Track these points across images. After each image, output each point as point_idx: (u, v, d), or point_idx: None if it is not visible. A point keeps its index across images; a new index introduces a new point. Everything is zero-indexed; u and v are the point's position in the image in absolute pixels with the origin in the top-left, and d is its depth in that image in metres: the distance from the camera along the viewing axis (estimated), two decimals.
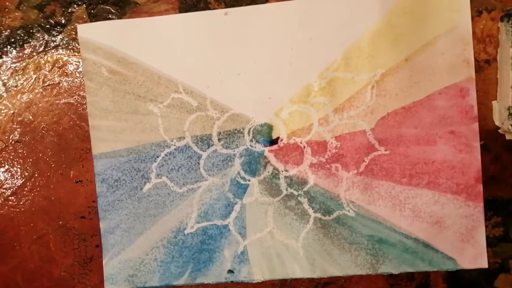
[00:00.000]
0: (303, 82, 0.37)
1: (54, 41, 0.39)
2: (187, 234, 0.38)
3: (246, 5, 0.37)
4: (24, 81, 0.39)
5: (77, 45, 0.38)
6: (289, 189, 0.38)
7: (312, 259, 0.38)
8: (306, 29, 0.37)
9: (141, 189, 0.38)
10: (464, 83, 0.36)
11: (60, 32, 0.39)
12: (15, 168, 0.39)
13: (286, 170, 0.38)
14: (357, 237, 0.37)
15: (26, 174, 0.39)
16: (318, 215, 0.38)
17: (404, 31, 0.36)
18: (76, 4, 0.39)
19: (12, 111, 0.39)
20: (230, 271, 0.38)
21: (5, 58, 0.39)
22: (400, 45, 0.36)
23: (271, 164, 0.38)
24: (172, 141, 0.38)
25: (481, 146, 0.36)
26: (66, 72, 0.39)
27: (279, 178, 0.38)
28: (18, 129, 0.39)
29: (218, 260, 0.38)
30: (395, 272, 0.37)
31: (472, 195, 0.37)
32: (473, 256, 0.37)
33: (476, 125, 0.36)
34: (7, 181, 0.39)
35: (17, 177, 0.39)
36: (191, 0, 0.38)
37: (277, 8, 0.37)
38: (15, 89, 0.39)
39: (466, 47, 0.36)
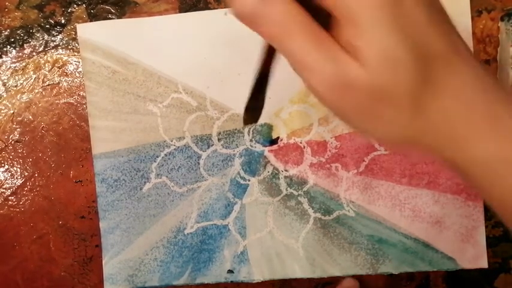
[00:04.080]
0: (303, 82, 0.37)
1: (54, 41, 0.39)
2: (187, 234, 0.38)
3: None
4: (24, 81, 0.39)
5: (76, 45, 0.38)
6: (289, 189, 0.38)
7: (312, 259, 0.38)
8: None
9: (141, 189, 0.38)
10: None
11: (60, 32, 0.39)
12: (15, 168, 0.39)
13: (286, 170, 0.38)
14: (357, 237, 0.37)
15: (26, 174, 0.39)
16: (318, 215, 0.38)
17: None
18: (76, 4, 0.38)
19: (12, 111, 0.39)
20: (230, 271, 0.38)
21: (4, 58, 0.39)
22: None
23: (271, 164, 0.38)
24: (172, 141, 0.38)
25: None
26: (66, 72, 0.39)
27: (278, 178, 0.38)
28: (18, 129, 0.39)
29: (218, 260, 0.38)
30: (395, 272, 0.37)
31: (472, 195, 0.36)
32: (473, 256, 0.37)
33: None
34: (7, 181, 0.39)
35: (16, 177, 0.39)
36: (191, 0, 0.38)
37: None
38: (15, 88, 0.39)
39: None
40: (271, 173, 0.38)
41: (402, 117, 0.18)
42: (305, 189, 0.38)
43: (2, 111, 0.39)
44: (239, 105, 0.38)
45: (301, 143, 0.38)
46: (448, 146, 0.19)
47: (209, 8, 0.38)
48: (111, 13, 0.38)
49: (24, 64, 0.39)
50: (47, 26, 0.39)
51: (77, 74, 0.39)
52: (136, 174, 0.38)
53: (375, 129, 0.19)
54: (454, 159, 0.19)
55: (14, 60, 0.39)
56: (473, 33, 0.36)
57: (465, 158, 0.19)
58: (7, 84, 0.39)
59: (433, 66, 0.18)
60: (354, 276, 0.37)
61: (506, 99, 0.19)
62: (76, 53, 0.39)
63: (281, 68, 0.37)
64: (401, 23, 0.17)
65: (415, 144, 0.20)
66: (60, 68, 0.39)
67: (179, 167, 0.38)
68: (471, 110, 0.18)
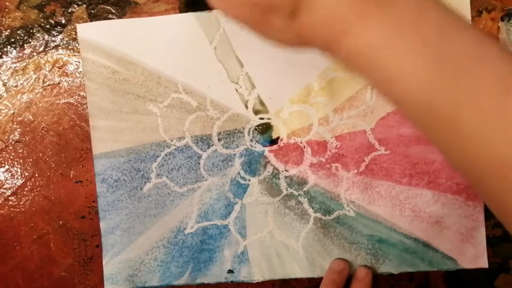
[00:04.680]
0: (303, 82, 0.37)
1: (54, 41, 0.39)
2: (188, 234, 0.38)
3: None
4: (24, 81, 0.39)
5: (77, 45, 0.38)
6: (289, 189, 0.38)
7: (312, 259, 0.38)
8: None
9: (141, 189, 0.38)
10: None
11: (60, 32, 0.39)
12: (15, 168, 0.39)
13: (286, 170, 0.38)
14: (357, 237, 0.37)
15: (26, 174, 0.39)
16: (318, 215, 0.38)
17: None
18: (76, 4, 0.39)
19: (12, 111, 0.39)
20: (230, 271, 0.38)
21: (5, 58, 0.39)
22: None
23: (271, 164, 0.38)
24: (172, 141, 0.38)
25: None
26: (66, 72, 0.39)
27: (279, 178, 0.38)
28: (18, 129, 0.39)
29: (218, 260, 0.38)
30: (395, 271, 0.37)
31: (472, 195, 0.37)
32: (474, 256, 0.37)
33: None
34: (7, 181, 0.39)
35: (17, 177, 0.39)
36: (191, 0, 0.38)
37: None
38: (15, 89, 0.39)
39: None
40: (272, 173, 0.38)
41: (286, 24, 0.22)
42: (305, 189, 0.38)
43: (3, 111, 0.39)
44: (239, 105, 0.38)
45: (301, 143, 0.38)
46: (330, 42, 0.22)
47: (209, 8, 0.38)
48: (112, 13, 0.38)
49: (24, 64, 0.39)
50: (47, 26, 0.39)
51: (77, 74, 0.39)
52: (137, 174, 0.38)
53: (272, 36, 0.24)
54: (338, 52, 0.23)
55: (14, 60, 0.39)
56: None
57: (346, 50, 0.22)
58: (7, 85, 0.39)
59: None
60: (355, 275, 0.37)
61: None
62: (76, 53, 0.39)
63: (281, 69, 0.38)
64: None
65: (309, 44, 0.23)
66: (60, 68, 0.39)
67: (179, 167, 0.38)
68: (340, 8, 0.21)
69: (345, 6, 0.21)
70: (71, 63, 0.39)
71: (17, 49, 0.39)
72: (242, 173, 0.38)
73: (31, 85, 0.39)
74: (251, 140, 0.38)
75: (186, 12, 0.38)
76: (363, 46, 0.21)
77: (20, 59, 0.39)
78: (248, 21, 0.24)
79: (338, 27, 0.22)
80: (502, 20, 0.36)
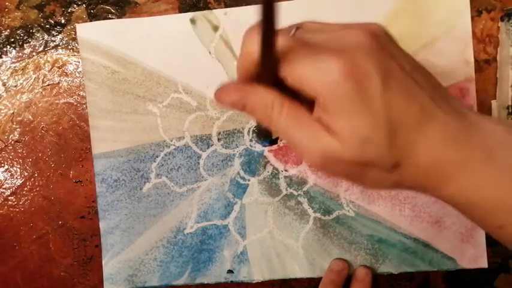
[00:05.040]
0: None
1: (54, 41, 0.39)
2: (187, 234, 0.38)
3: (245, 5, 0.37)
4: (23, 81, 0.39)
5: (76, 45, 0.38)
6: (288, 189, 0.38)
7: (311, 259, 0.38)
8: None
9: (141, 189, 0.38)
10: (464, 82, 0.36)
11: (59, 32, 0.39)
12: (15, 168, 0.39)
13: (285, 170, 0.38)
14: (357, 237, 0.37)
15: (26, 174, 0.39)
16: (318, 214, 0.38)
17: (404, 31, 0.36)
18: (76, 4, 0.39)
19: (11, 111, 0.39)
20: (230, 271, 0.38)
21: (4, 58, 0.39)
22: (400, 45, 0.36)
23: (271, 164, 0.38)
24: (171, 141, 0.38)
25: None
26: (65, 72, 0.39)
27: (278, 178, 0.38)
28: (17, 129, 0.39)
29: (218, 260, 0.38)
30: (395, 271, 0.37)
31: None
32: (473, 256, 0.37)
33: None
34: (7, 181, 0.39)
35: (16, 177, 0.39)
36: (191, 0, 0.38)
37: None
38: (14, 88, 0.39)
39: (466, 47, 0.36)
40: (271, 173, 0.38)
41: (385, 175, 0.22)
42: (305, 189, 0.38)
43: (2, 111, 0.39)
44: None
45: None
46: (431, 188, 0.22)
47: (209, 8, 0.38)
48: (111, 13, 0.38)
49: (24, 64, 0.39)
50: (47, 26, 0.39)
51: (77, 74, 0.39)
52: (136, 174, 0.38)
53: (364, 184, 0.23)
54: (438, 196, 0.23)
55: (14, 60, 0.39)
56: (473, 33, 0.36)
57: (447, 196, 0.22)
58: (7, 84, 0.39)
59: (403, 134, 0.20)
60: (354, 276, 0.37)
61: (473, 145, 0.21)
62: (76, 53, 0.39)
63: None
64: (366, 104, 0.20)
65: (401, 189, 0.23)
66: (60, 68, 0.39)
67: (179, 167, 0.38)
68: (441, 161, 0.21)
69: (447, 156, 0.21)
70: (71, 63, 0.39)
71: (17, 49, 0.39)
72: (242, 173, 0.38)
73: (31, 85, 0.39)
74: (251, 140, 0.38)
75: (186, 12, 0.38)
76: (465, 194, 0.22)
77: (19, 59, 0.39)
78: (341, 175, 0.23)
79: (440, 177, 0.22)
80: (502, 20, 0.36)
